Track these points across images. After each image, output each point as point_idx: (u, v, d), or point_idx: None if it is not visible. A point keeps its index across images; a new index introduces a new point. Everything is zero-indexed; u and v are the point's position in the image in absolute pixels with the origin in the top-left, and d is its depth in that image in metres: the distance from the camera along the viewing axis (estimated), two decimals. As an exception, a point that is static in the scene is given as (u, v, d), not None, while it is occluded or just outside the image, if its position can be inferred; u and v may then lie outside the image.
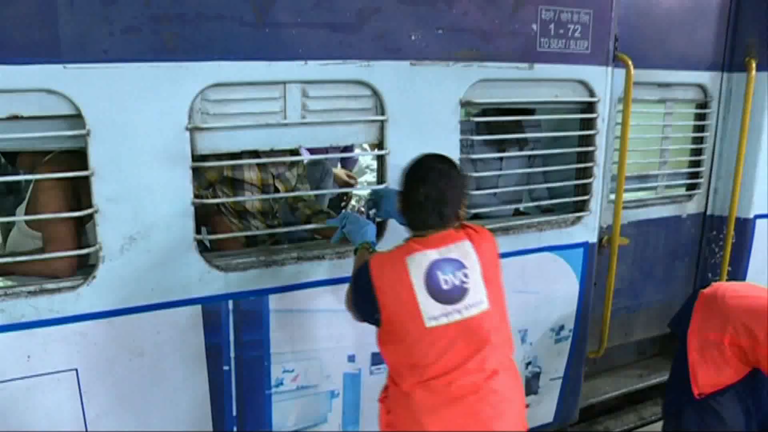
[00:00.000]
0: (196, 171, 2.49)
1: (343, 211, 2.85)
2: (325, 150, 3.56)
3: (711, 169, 3.88)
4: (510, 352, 2.17)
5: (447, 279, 2.02)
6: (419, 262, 2.02)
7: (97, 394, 2.34)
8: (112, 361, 2.34)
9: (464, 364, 2.02)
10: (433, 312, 2.00)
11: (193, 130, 2.29)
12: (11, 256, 2.29)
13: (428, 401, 2.02)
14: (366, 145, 4.62)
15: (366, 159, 4.84)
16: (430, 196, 2.05)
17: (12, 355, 2.19)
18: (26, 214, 2.32)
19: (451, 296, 2.02)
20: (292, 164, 2.81)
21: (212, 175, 2.65)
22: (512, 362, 2.16)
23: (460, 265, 2.04)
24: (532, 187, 3.26)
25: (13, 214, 2.52)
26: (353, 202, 4.32)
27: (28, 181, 3.34)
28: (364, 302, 2.10)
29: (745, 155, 3.70)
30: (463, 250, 2.07)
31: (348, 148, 3.59)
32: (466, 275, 2.04)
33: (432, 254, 2.04)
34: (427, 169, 2.10)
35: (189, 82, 2.25)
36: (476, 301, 2.04)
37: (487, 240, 2.17)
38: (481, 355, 2.04)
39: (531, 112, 3.23)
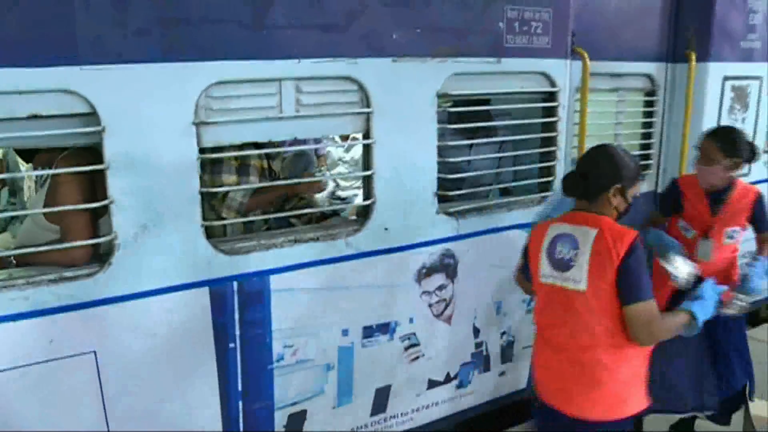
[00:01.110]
0: (218, 161, 2.68)
1: None
2: (303, 142, 3.78)
3: (660, 151, 4.21)
4: (591, 350, 2.35)
5: (561, 250, 2.37)
6: (554, 230, 2.42)
7: (113, 374, 2.48)
8: (127, 343, 2.49)
9: (556, 324, 2.43)
10: (545, 271, 2.41)
11: (198, 124, 2.47)
12: (26, 248, 2.44)
13: (538, 341, 2.56)
14: (337, 138, 4.87)
15: (338, 152, 5.06)
16: (576, 172, 2.42)
17: (35, 340, 2.32)
18: (45, 206, 2.46)
19: (559, 264, 2.37)
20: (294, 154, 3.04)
21: (235, 162, 2.85)
22: (589, 359, 2.36)
23: (576, 245, 2.33)
24: (500, 170, 3.52)
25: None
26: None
27: (32, 178, 3.48)
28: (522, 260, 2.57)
29: (689, 138, 4.04)
30: (586, 235, 2.31)
31: (317, 140, 3.87)
32: (575, 255, 2.32)
33: (563, 227, 2.39)
34: (586, 154, 2.49)
35: (194, 80, 2.43)
36: (576, 278, 2.33)
37: (616, 247, 2.25)
38: (568, 324, 2.38)
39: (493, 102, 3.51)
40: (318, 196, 3.57)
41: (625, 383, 2.37)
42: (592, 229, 2.30)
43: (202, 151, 2.54)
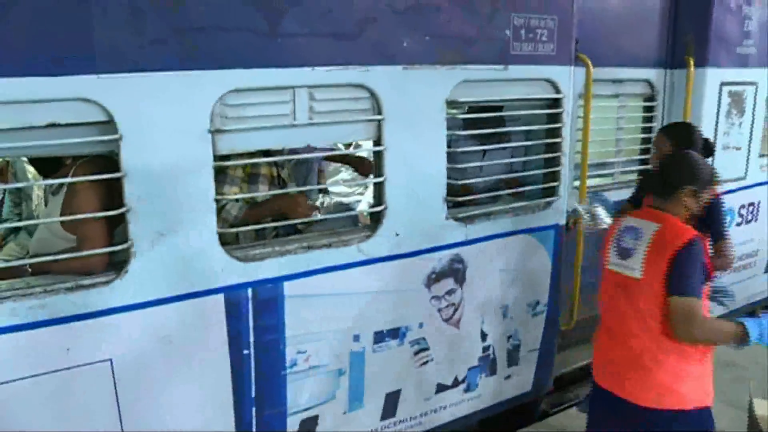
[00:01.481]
0: (222, 172, 2.70)
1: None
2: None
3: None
4: (640, 336, 2.50)
5: (627, 240, 2.55)
6: (626, 222, 2.61)
7: (129, 382, 2.48)
8: (143, 350, 2.49)
9: (613, 309, 2.61)
10: (612, 259, 2.60)
11: (214, 132, 2.49)
12: (41, 256, 2.44)
13: (599, 326, 2.74)
14: (340, 145, 4.90)
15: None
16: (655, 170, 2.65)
17: (53, 348, 2.32)
18: (62, 215, 2.47)
19: (623, 253, 2.55)
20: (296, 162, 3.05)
21: (240, 175, 2.85)
22: (638, 345, 2.51)
23: (639, 236, 2.50)
24: (511, 175, 3.57)
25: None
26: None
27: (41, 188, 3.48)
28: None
29: (688, 143, 4.12)
30: (649, 229, 2.49)
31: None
32: (637, 245, 2.51)
33: (633, 221, 2.58)
34: (668, 156, 2.70)
35: (210, 88, 2.44)
36: (633, 267, 2.51)
37: (673, 241, 2.40)
38: (622, 310, 2.56)
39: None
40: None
41: (675, 374, 2.45)
42: (656, 224, 2.48)
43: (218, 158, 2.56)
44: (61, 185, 2.53)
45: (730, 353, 4.64)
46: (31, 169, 3.60)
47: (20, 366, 2.27)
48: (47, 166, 2.70)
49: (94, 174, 2.40)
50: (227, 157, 2.74)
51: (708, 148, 3.20)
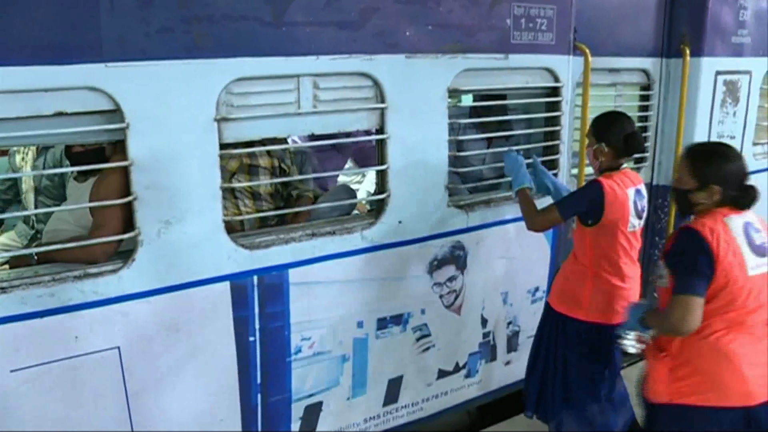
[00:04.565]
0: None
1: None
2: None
3: (655, 144, 4.32)
4: None
5: (756, 237, 2.33)
6: (736, 222, 2.31)
7: (137, 369, 2.51)
8: (151, 338, 2.52)
9: (762, 311, 2.34)
10: (752, 263, 2.30)
11: (220, 120, 2.50)
12: (53, 244, 2.46)
13: (739, 343, 2.30)
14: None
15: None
16: (745, 168, 2.38)
17: (61, 336, 2.34)
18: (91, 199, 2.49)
19: (762, 251, 2.33)
20: (294, 151, 3.07)
21: (233, 166, 2.86)
22: None
23: (757, 229, 2.37)
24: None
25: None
26: None
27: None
28: (704, 267, 2.24)
29: (684, 131, 4.16)
30: (752, 217, 2.38)
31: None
32: (763, 237, 2.36)
33: (740, 217, 2.34)
34: (729, 147, 2.43)
35: (216, 77, 2.46)
36: None
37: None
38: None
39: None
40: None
41: None
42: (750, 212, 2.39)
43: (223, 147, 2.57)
44: (90, 171, 2.55)
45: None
46: (17, 157, 3.60)
47: (30, 354, 2.29)
48: (77, 155, 2.70)
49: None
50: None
51: (626, 142, 2.97)
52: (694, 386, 2.33)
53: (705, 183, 2.33)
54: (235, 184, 2.84)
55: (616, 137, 2.92)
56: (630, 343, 2.57)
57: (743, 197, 2.34)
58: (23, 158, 3.59)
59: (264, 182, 3.04)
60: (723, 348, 2.29)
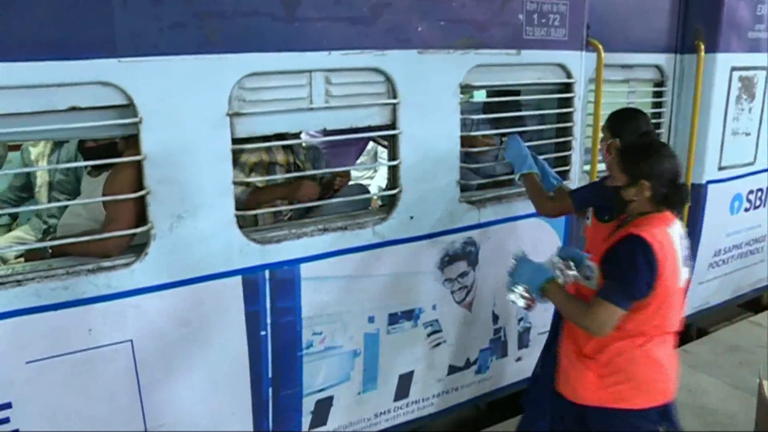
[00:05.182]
0: (236, 161, 2.73)
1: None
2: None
3: (668, 141, 4.29)
4: None
5: (684, 247, 2.34)
6: (675, 232, 2.31)
7: (149, 362, 2.53)
8: (163, 332, 2.53)
9: (680, 315, 2.41)
10: (682, 274, 2.32)
11: (232, 115, 2.51)
12: (66, 238, 2.48)
13: (666, 349, 2.38)
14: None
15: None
16: (679, 166, 2.34)
17: (75, 329, 2.36)
18: (104, 194, 2.52)
19: (687, 261, 2.37)
20: (306, 147, 3.08)
21: (252, 161, 2.87)
22: None
23: (684, 238, 2.37)
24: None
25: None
26: None
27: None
28: (648, 278, 2.21)
29: (698, 127, 4.14)
30: (681, 226, 2.38)
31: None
32: (687, 246, 2.38)
33: (677, 227, 2.34)
34: (664, 145, 2.42)
35: (228, 72, 2.47)
36: (690, 267, 2.41)
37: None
38: (683, 309, 2.43)
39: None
40: None
41: None
42: (675, 219, 2.39)
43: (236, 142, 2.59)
44: (103, 165, 2.57)
45: (736, 337, 4.73)
46: (32, 151, 3.63)
47: (45, 346, 2.31)
48: (90, 149, 2.72)
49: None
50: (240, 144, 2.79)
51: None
52: (625, 392, 2.36)
53: (635, 179, 2.30)
54: (250, 179, 2.84)
55: (630, 134, 2.91)
56: (518, 296, 2.50)
57: (674, 196, 2.31)
58: (41, 153, 3.62)
59: (279, 177, 3.03)
60: (655, 355, 2.34)
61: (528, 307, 2.50)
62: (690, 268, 2.40)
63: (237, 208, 2.73)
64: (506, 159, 3.11)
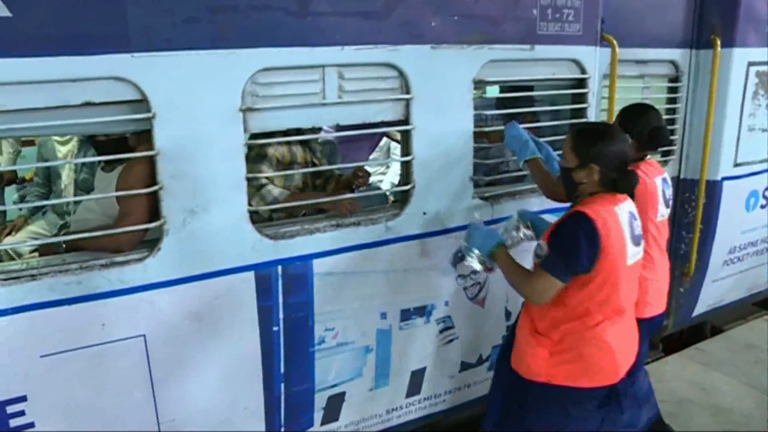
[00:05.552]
0: (264, 155, 2.73)
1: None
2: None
3: (683, 137, 4.26)
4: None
5: (635, 226, 2.40)
6: (623, 211, 2.36)
7: (162, 357, 2.53)
8: (175, 327, 2.54)
9: (632, 295, 2.47)
10: (630, 252, 2.36)
11: (245, 110, 2.51)
12: (80, 233, 2.49)
13: (616, 330, 2.40)
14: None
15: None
16: (627, 152, 2.40)
17: (88, 324, 2.37)
18: (117, 189, 2.52)
19: (638, 240, 2.40)
20: (322, 142, 3.07)
21: (277, 157, 2.86)
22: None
23: (635, 216, 2.42)
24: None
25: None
26: None
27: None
28: (587, 253, 2.26)
29: (713, 123, 4.09)
30: (632, 205, 2.44)
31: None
32: (639, 225, 2.43)
33: (626, 206, 2.39)
34: (621, 135, 2.42)
35: (241, 67, 2.46)
36: (642, 246, 2.45)
37: None
38: (636, 289, 2.51)
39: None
40: None
41: None
42: (628, 199, 2.45)
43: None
44: (116, 161, 2.57)
45: (751, 335, 4.69)
46: (61, 149, 3.65)
47: (59, 340, 2.33)
48: (102, 144, 2.73)
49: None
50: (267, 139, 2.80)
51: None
52: (572, 371, 2.41)
53: (585, 162, 2.34)
54: (262, 174, 2.83)
55: (641, 129, 2.92)
56: (475, 261, 2.64)
57: (622, 181, 2.35)
58: (69, 151, 3.64)
59: (295, 172, 3.01)
60: (604, 337, 2.38)
61: (489, 271, 2.68)
62: (640, 248, 2.43)
63: (269, 205, 2.79)
64: (507, 147, 3.06)
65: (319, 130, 3.03)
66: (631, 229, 2.36)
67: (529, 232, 2.78)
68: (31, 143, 4.15)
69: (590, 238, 2.25)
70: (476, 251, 2.62)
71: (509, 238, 2.74)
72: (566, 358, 2.41)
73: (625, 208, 2.37)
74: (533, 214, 2.87)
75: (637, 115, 2.99)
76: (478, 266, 2.64)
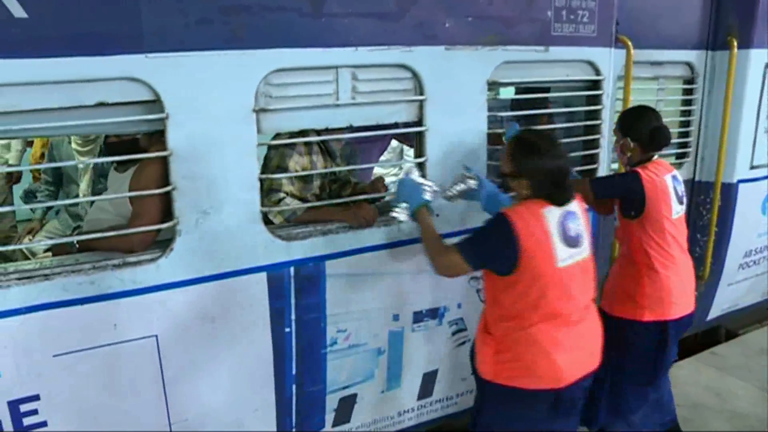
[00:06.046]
0: (285, 168, 2.76)
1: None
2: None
3: (698, 139, 4.22)
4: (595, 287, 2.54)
5: (572, 227, 2.35)
6: (554, 214, 2.33)
7: (173, 358, 2.53)
8: (188, 327, 2.54)
9: (579, 296, 2.40)
10: (563, 255, 2.32)
11: (258, 111, 2.50)
12: (93, 233, 2.50)
13: (553, 333, 2.36)
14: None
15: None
16: (563, 168, 2.36)
17: (101, 324, 2.37)
18: (131, 189, 2.52)
19: (574, 241, 2.36)
20: (342, 144, 3.06)
21: (298, 169, 2.84)
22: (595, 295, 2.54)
23: (576, 216, 2.39)
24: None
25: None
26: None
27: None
28: (503, 252, 2.29)
29: (729, 126, 4.06)
30: (574, 206, 2.41)
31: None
32: (579, 225, 2.39)
33: (563, 208, 2.36)
34: (555, 148, 2.38)
35: (255, 67, 2.46)
36: (586, 246, 2.42)
37: (580, 196, 2.50)
38: (588, 291, 2.46)
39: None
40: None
41: None
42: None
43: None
44: (130, 162, 2.58)
45: (766, 340, 4.64)
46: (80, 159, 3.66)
47: (71, 339, 2.33)
48: (115, 145, 2.73)
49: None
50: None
51: (652, 137, 2.97)
52: (512, 371, 2.40)
53: (518, 172, 2.36)
54: (275, 176, 2.82)
55: (641, 131, 2.96)
56: (400, 214, 2.68)
57: (555, 195, 2.34)
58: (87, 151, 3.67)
59: (311, 172, 2.96)
60: (538, 339, 2.35)
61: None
62: (580, 248, 2.38)
63: (287, 220, 2.78)
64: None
65: (336, 131, 2.99)
66: (563, 230, 2.33)
67: (473, 182, 2.78)
68: (31, 143, 4.20)
69: (507, 239, 2.26)
70: (403, 204, 2.66)
71: (454, 190, 2.79)
72: (507, 358, 2.41)
73: (557, 210, 2.34)
74: (476, 172, 2.86)
75: (635, 117, 3.02)
76: (404, 217, 2.68)
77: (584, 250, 2.41)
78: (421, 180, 2.69)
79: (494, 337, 2.44)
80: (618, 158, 3.08)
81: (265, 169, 2.80)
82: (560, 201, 2.35)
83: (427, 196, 2.65)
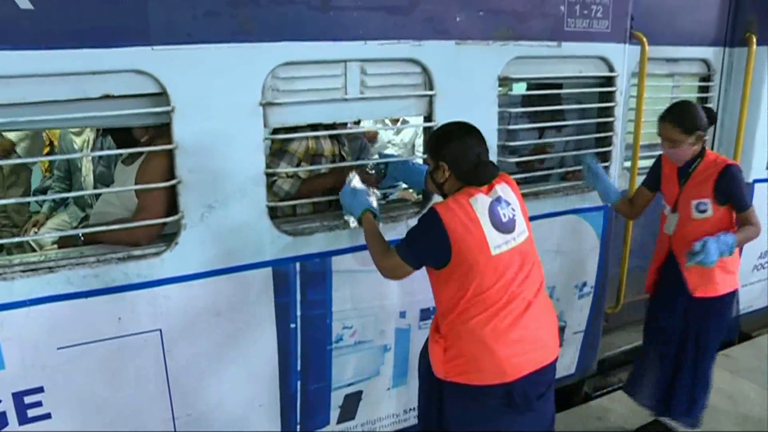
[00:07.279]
0: (285, 151, 2.71)
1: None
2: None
3: (714, 138, 4.16)
4: (543, 275, 2.49)
5: (504, 213, 2.31)
6: (482, 202, 2.29)
7: (178, 352, 2.53)
8: (192, 321, 2.53)
9: (520, 284, 2.33)
10: (497, 242, 2.28)
11: (265, 105, 2.48)
12: (98, 226, 2.48)
13: (495, 325, 2.29)
14: (387, 120, 4.87)
15: (388, 134, 5.05)
16: (482, 153, 2.34)
17: (105, 317, 2.37)
18: (137, 182, 2.50)
19: (508, 227, 2.31)
20: (353, 137, 3.03)
21: (301, 152, 2.83)
22: (544, 284, 2.48)
23: (507, 202, 2.34)
24: (562, 154, 3.54)
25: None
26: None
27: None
28: (435, 245, 2.27)
29: (745, 124, 4.00)
30: (505, 191, 2.37)
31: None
32: (513, 210, 2.35)
33: (492, 194, 2.33)
34: (469, 132, 2.37)
35: (262, 61, 2.44)
36: (522, 230, 2.37)
37: (514, 183, 2.47)
38: (530, 276, 2.38)
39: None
40: None
41: None
42: (502, 184, 2.40)
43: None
44: (136, 154, 2.57)
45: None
46: (76, 140, 3.66)
47: (75, 332, 2.33)
48: (120, 136, 2.72)
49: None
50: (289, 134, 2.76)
51: (710, 118, 3.04)
52: (459, 367, 2.35)
53: (437, 162, 2.36)
54: (281, 169, 2.80)
55: (703, 118, 2.96)
56: (351, 220, 2.71)
57: (473, 174, 2.31)
58: (85, 141, 3.66)
59: (319, 167, 2.96)
60: (479, 332, 2.30)
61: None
62: (515, 233, 2.33)
63: (284, 200, 2.74)
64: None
65: (345, 124, 2.96)
66: (494, 216, 2.29)
67: (360, 186, 2.70)
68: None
69: (436, 232, 2.25)
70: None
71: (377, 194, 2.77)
72: (453, 354, 2.36)
73: (485, 198, 2.31)
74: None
75: (688, 109, 2.99)
76: (353, 224, 2.71)
77: (521, 234, 2.36)
78: (361, 186, 2.68)
79: (442, 335, 2.41)
80: (683, 158, 3.05)
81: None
82: (478, 181, 2.32)
83: (372, 201, 2.64)
